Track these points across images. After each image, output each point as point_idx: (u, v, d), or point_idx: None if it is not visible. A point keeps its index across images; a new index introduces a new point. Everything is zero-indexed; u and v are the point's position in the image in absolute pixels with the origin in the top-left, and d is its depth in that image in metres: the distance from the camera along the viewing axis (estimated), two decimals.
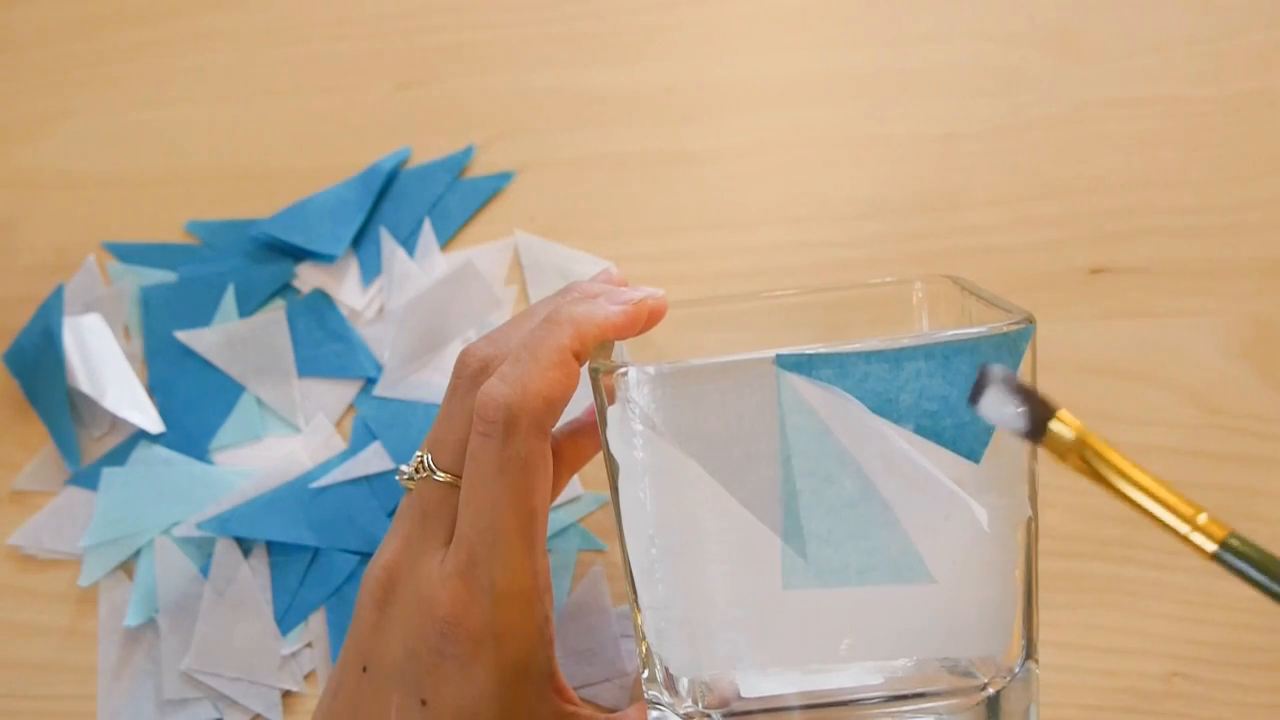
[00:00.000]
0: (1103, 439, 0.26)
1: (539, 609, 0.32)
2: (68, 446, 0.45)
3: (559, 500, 0.41)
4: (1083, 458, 0.26)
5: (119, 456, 0.45)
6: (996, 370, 0.26)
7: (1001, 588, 0.29)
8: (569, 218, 0.46)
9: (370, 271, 0.46)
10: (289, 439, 0.44)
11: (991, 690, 0.30)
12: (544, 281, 0.45)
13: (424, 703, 0.32)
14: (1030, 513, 0.29)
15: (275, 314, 0.46)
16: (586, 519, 0.42)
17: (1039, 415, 0.26)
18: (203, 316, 0.47)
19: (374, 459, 0.43)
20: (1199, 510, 0.25)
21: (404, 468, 0.34)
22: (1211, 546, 0.25)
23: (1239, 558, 0.24)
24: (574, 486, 0.42)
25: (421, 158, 0.48)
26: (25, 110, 0.52)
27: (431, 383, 0.44)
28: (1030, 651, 0.30)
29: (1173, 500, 0.25)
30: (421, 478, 0.34)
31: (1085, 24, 0.45)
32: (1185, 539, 0.25)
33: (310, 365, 0.45)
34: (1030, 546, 0.30)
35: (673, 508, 0.29)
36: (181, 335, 0.46)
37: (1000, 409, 0.26)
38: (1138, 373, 0.40)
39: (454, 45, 0.49)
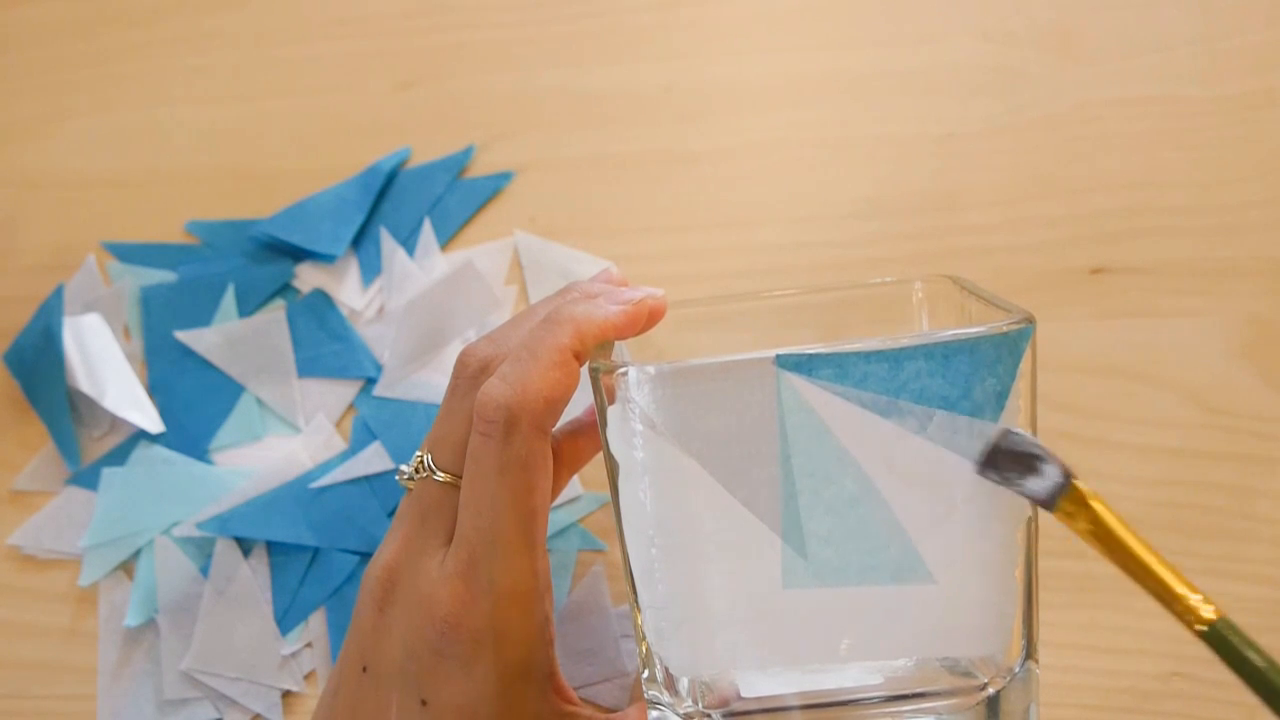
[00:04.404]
0: (1112, 514, 0.27)
1: (539, 609, 0.32)
2: (68, 446, 0.45)
3: (559, 500, 0.41)
4: (1091, 532, 0.27)
5: (119, 456, 0.45)
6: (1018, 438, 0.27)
7: (1001, 588, 0.29)
8: (569, 218, 0.46)
9: (370, 271, 0.46)
10: (289, 439, 0.44)
11: (992, 690, 0.30)
12: (544, 281, 0.45)
13: (424, 703, 0.32)
14: (1030, 513, 0.29)
15: (275, 314, 0.46)
16: (586, 519, 0.42)
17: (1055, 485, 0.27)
18: (203, 316, 0.47)
19: (374, 459, 0.43)
20: (1195, 590, 0.26)
21: (404, 468, 0.34)
22: (1200, 627, 0.26)
23: (1226, 641, 0.25)
24: (574, 486, 0.42)
25: (421, 158, 0.48)
26: (25, 110, 0.52)
27: (431, 383, 0.44)
28: (1030, 651, 0.30)
29: (1172, 581, 0.26)
30: (421, 478, 0.34)
31: (1085, 24, 0.45)
32: (1180, 617, 0.26)
33: (310, 365, 0.45)
34: (1030, 547, 0.29)
35: (673, 507, 0.29)
36: (181, 335, 0.46)
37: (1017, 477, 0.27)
38: (1138, 373, 0.40)
39: (454, 45, 0.49)
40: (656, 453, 0.28)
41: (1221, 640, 0.25)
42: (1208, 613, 0.26)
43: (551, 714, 0.33)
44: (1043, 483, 0.27)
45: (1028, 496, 0.27)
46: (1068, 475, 0.27)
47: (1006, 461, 0.27)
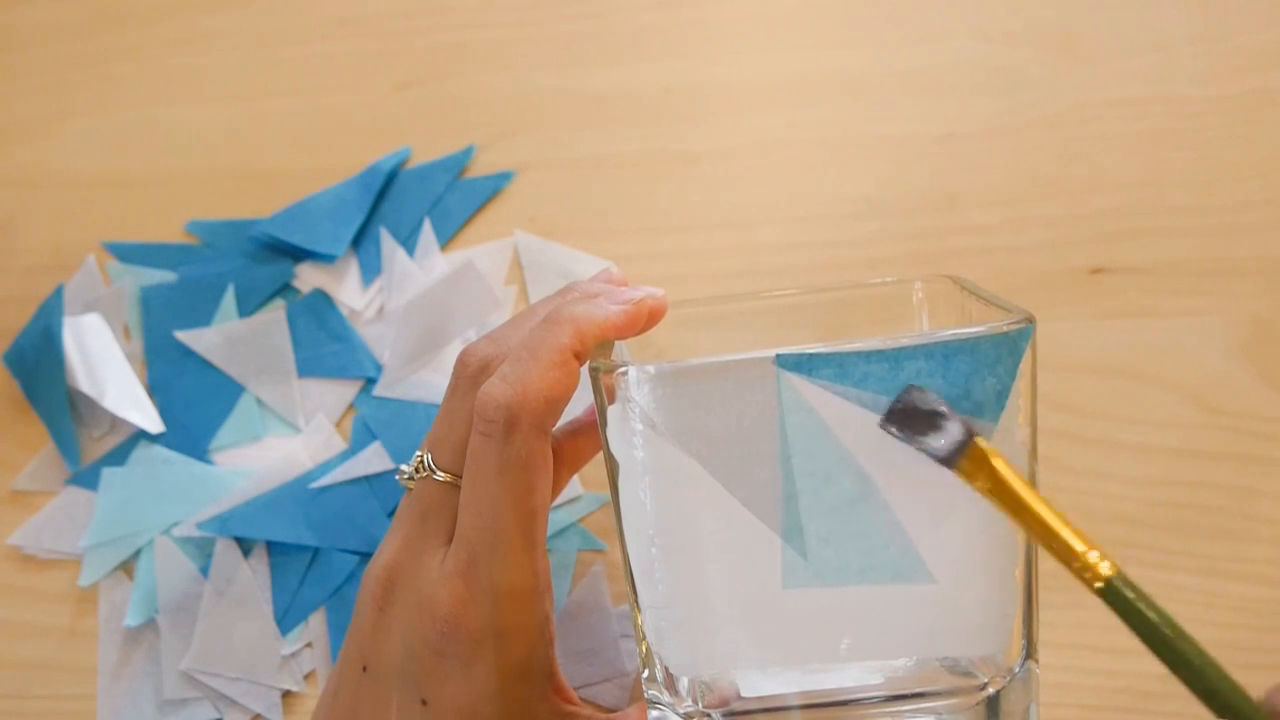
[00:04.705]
0: (1012, 472, 0.27)
1: (539, 609, 0.32)
2: (68, 446, 0.45)
3: (559, 500, 0.41)
4: (991, 490, 0.27)
5: (119, 456, 0.45)
6: (918, 396, 0.27)
7: (1001, 587, 0.29)
8: (569, 218, 0.46)
9: (370, 271, 0.46)
10: (289, 439, 0.44)
11: (991, 690, 0.30)
12: (544, 281, 0.45)
13: (424, 702, 0.32)
14: None
15: (275, 314, 0.46)
16: (586, 519, 0.42)
17: (957, 441, 0.27)
18: (203, 316, 0.47)
19: (374, 459, 0.43)
20: (1092, 547, 0.26)
21: (404, 467, 0.34)
22: (1098, 583, 0.25)
23: (1123, 598, 0.25)
24: (574, 486, 0.42)
25: (421, 158, 0.48)
26: (25, 110, 0.52)
27: (431, 383, 0.44)
28: (1030, 651, 0.30)
29: (1068, 535, 0.26)
30: (421, 477, 0.34)
31: (1085, 24, 0.45)
32: (1077, 574, 0.26)
33: (310, 365, 0.45)
34: (1030, 547, 0.29)
35: (673, 507, 0.29)
36: (181, 335, 0.46)
37: (919, 433, 0.27)
38: (1138, 373, 0.40)
39: (454, 45, 0.49)
40: (656, 452, 0.28)
41: (1118, 596, 0.25)
42: (1104, 569, 0.25)
43: (551, 714, 0.33)
44: (943, 440, 0.27)
45: (928, 454, 0.27)
46: (969, 433, 0.27)
47: (909, 418, 0.27)
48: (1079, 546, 0.26)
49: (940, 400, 0.27)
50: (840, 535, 0.28)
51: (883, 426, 0.27)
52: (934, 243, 0.43)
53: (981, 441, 0.27)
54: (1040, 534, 0.26)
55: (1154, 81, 0.44)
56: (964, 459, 0.27)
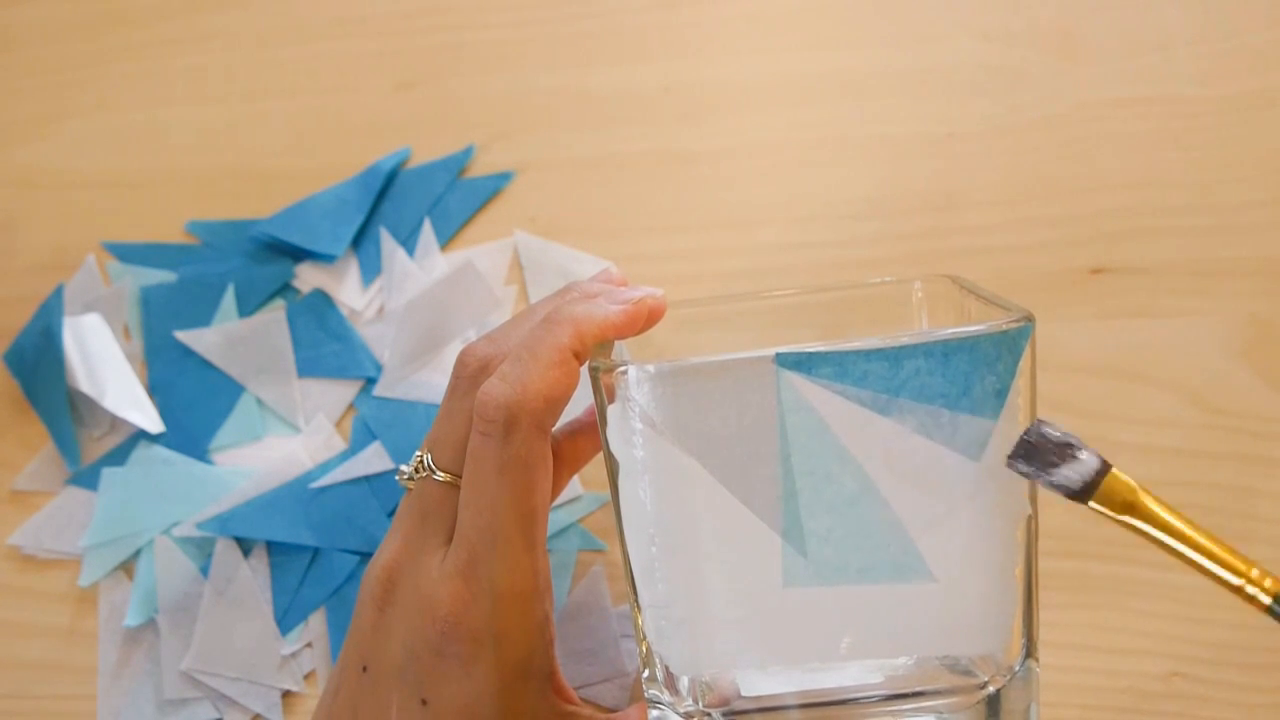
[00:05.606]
0: (1154, 498, 0.26)
1: (539, 609, 0.32)
2: (68, 446, 0.45)
3: (559, 500, 0.41)
4: (1131, 519, 0.26)
5: (119, 456, 0.45)
6: (1046, 432, 0.27)
7: (1001, 586, 0.29)
8: (569, 218, 0.46)
9: (370, 271, 0.46)
10: (289, 439, 0.44)
11: (992, 689, 0.30)
12: (544, 281, 0.45)
13: (424, 702, 0.32)
14: (1030, 511, 0.29)
15: (275, 314, 0.46)
16: (586, 519, 0.42)
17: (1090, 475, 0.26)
18: (203, 316, 0.47)
19: (374, 459, 0.43)
20: (1252, 565, 0.25)
21: (404, 467, 0.34)
22: (1267, 599, 0.25)
23: None
24: (574, 486, 0.42)
25: (421, 158, 0.48)
26: (25, 110, 0.52)
27: (431, 383, 0.44)
28: (1030, 650, 0.30)
29: (1227, 556, 0.25)
30: (421, 477, 0.34)
31: (1085, 24, 0.45)
32: (1240, 591, 0.25)
33: (310, 365, 0.45)
34: (1030, 545, 0.29)
35: (673, 506, 0.29)
36: (181, 335, 0.46)
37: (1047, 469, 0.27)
38: (1138, 373, 0.40)
39: (454, 45, 0.49)
40: (656, 452, 0.28)
41: None
42: (1271, 584, 0.25)
43: (551, 714, 0.33)
44: (1077, 472, 0.27)
45: (1060, 488, 0.27)
46: (1104, 465, 0.26)
47: (1037, 453, 0.27)
48: (1244, 565, 0.25)
49: (1069, 433, 0.27)
50: (840, 534, 0.28)
51: (1009, 464, 0.27)
52: (934, 243, 0.43)
53: (1118, 473, 0.26)
54: (1195, 561, 0.26)
55: (1154, 81, 0.44)
56: (1099, 491, 0.26)
